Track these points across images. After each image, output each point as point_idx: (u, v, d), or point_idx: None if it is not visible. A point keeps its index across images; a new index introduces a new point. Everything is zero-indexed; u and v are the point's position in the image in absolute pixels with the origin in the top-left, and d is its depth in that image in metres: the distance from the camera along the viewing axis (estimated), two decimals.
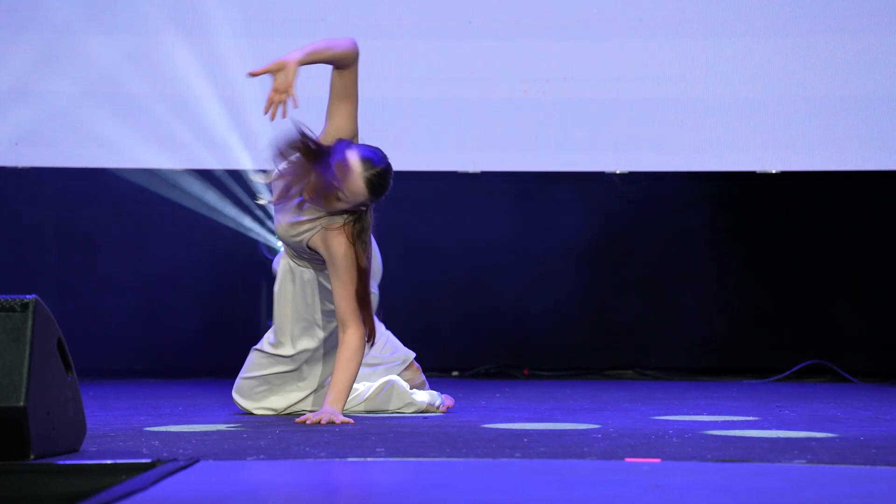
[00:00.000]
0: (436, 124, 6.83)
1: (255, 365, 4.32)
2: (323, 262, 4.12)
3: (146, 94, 6.69)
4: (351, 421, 3.91)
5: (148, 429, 3.77)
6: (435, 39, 6.76)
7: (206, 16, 6.69)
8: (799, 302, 7.39)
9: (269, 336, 4.34)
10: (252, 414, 4.30)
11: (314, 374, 4.29)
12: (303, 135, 3.92)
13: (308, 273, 4.24)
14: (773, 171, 6.89)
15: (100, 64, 6.68)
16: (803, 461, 2.91)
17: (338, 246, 4.05)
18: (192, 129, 6.69)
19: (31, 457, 2.86)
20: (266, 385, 4.29)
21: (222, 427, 3.82)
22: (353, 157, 3.96)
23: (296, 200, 4.05)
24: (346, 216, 4.06)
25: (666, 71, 6.72)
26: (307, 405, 4.29)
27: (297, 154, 3.94)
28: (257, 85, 6.70)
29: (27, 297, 2.95)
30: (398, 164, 6.89)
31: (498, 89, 6.78)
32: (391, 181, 4.05)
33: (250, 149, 6.68)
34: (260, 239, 6.74)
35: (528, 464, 2.91)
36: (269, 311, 6.95)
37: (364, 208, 4.06)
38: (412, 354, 4.66)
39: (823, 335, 7.30)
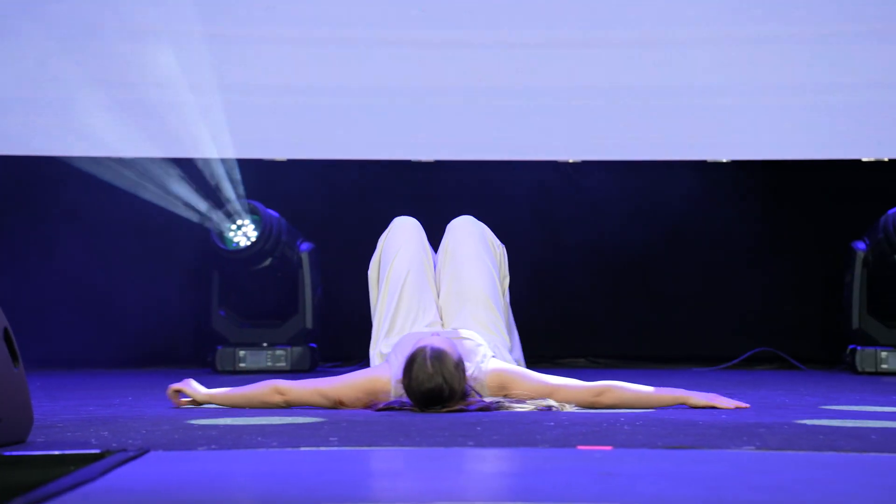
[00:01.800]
0: (390, 115, 6.81)
1: None
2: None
3: (94, 79, 6.63)
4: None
5: (97, 419, 3.74)
6: (388, 28, 6.73)
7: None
8: (747, 290, 7.44)
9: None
10: None
11: None
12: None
13: None
14: (724, 161, 6.93)
15: (44, 49, 6.61)
16: (752, 447, 2.94)
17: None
18: (143, 116, 6.64)
19: None
20: None
21: (173, 417, 3.79)
22: None
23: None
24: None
25: (623, 61, 6.73)
26: None
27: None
28: (206, 73, 6.67)
29: None
30: (352, 153, 6.89)
31: (451, 80, 6.77)
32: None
33: (205, 137, 6.64)
34: (211, 227, 6.71)
35: (481, 452, 2.91)
36: (220, 300, 6.92)
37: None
38: None
39: (772, 323, 7.36)
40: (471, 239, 4.57)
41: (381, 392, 4.00)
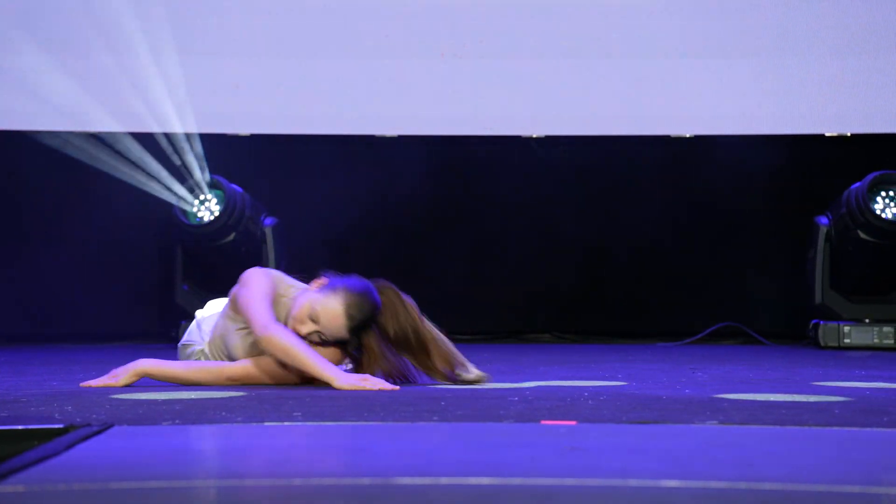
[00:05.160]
0: (352, 89, 6.79)
1: None
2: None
3: (56, 54, 6.57)
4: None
5: (61, 394, 3.72)
6: (353, 5, 6.70)
7: None
8: (712, 266, 7.48)
9: None
10: None
11: None
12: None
13: None
14: (688, 136, 6.95)
15: (7, 22, 6.55)
16: (715, 422, 2.95)
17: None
18: (106, 92, 6.59)
19: None
20: None
21: (136, 392, 3.78)
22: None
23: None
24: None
25: (587, 38, 6.73)
26: None
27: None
28: (174, 47, 6.62)
29: None
30: (315, 128, 6.87)
31: (414, 54, 6.75)
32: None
33: (166, 112, 6.60)
34: (175, 202, 6.67)
35: (446, 427, 2.92)
36: (183, 275, 6.90)
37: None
38: None
39: (736, 298, 7.40)
40: None
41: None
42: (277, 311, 3.91)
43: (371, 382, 3.73)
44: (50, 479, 2.20)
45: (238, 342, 3.99)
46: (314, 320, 3.85)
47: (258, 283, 3.90)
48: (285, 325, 3.88)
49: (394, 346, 3.98)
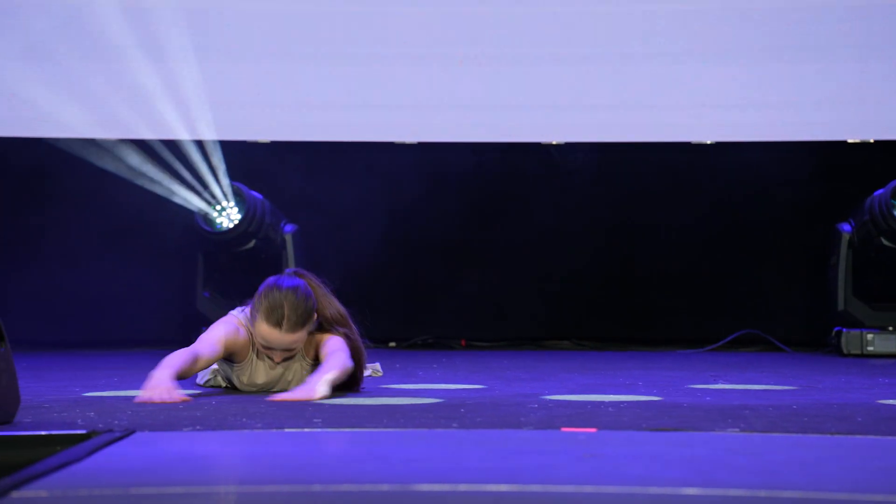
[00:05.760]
0: (371, 97, 6.79)
1: None
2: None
3: (80, 62, 6.60)
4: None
5: (83, 399, 3.73)
6: (369, 13, 6.71)
7: None
8: (733, 272, 7.46)
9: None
10: None
11: None
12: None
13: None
14: (709, 142, 6.93)
15: (32, 30, 6.58)
16: (737, 430, 2.94)
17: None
18: (127, 99, 6.61)
19: None
20: None
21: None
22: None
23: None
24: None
25: (607, 44, 6.72)
26: None
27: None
28: (193, 55, 6.64)
29: None
30: (334, 135, 6.87)
31: (433, 61, 6.75)
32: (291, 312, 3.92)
33: (187, 119, 6.62)
34: (196, 209, 6.69)
35: (465, 434, 2.92)
36: (204, 281, 6.92)
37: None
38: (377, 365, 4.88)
39: (757, 305, 7.37)
40: None
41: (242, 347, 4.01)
42: (243, 348, 3.98)
43: (157, 393, 3.62)
44: (72, 485, 2.21)
45: (238, 376, 4.05)
46: (269, 348, 3.92)
47: (212, 331, 3.99)
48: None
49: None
